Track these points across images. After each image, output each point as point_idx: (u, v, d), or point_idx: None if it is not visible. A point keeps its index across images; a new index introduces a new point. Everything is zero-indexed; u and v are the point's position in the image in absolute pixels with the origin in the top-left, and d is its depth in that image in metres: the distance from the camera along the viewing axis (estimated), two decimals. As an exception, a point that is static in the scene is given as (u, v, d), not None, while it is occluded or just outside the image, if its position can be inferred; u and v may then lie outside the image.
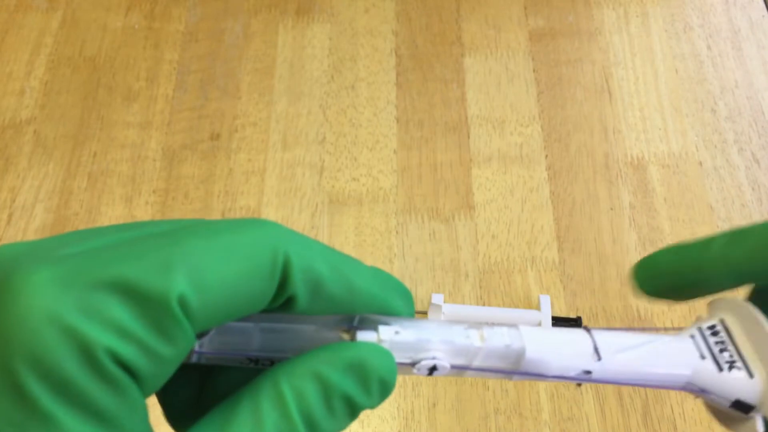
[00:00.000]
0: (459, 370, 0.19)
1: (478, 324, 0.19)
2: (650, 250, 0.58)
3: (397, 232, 0.59)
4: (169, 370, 0.16)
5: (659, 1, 0.72)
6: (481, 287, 0.56)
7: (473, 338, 0.19)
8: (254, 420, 0.16)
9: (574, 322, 0.53)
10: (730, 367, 0.19)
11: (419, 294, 0.56)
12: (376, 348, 0.18)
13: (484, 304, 0.55)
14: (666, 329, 0.21)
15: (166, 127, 0.64)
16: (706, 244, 0.20)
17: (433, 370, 0.19)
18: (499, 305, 0.55)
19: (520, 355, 0.19)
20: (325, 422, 0.17)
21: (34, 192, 0.61)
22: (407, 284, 0.56)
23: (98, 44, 0.69)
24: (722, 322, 0.21)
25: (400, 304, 0.19)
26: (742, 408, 0.20)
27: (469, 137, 0.64)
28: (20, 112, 0.65)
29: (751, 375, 0.19)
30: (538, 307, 0.53)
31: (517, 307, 0.55)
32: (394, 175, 0.62)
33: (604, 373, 0.19)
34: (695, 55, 0.68)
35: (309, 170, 0.62)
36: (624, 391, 0.52)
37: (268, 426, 0.16)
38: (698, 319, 0.21)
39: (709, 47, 0.69)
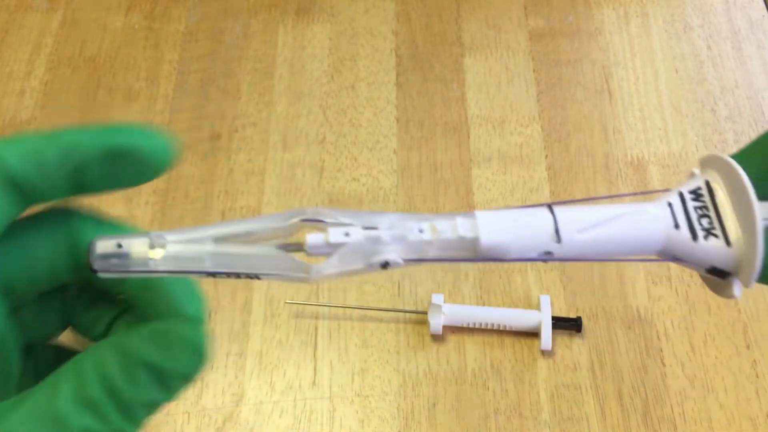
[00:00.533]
0: (414, 262, 0.18)
1: (431, 217, 0.18)
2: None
3: (397, 232, 0.59)
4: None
5: (659, 1, 0.72)
6: (481, 287, 0.56)
7: (426, 233, 0.18)
8: (52, 387, 0.16)
9: (574, 322, 0.54)
10: (707, 236, 0.19)
11: (419, 294, 0.56)
12: (184, 317, 0.18)
13: (484, 304, 0.55)
14: (652, 192, 0.20)
15: (166, 127, 0.64)
16: None
17: (386, 265, 0.18)
18: (499, 305, 0.55)
19: (475, 244, 0.18)
20: (128, 390, 0.17)
21: (35, 192, 0.61)
22: (407, 284, 0.56)
23: (98, 44, 0.69)
24: (708, 184, 0.20)
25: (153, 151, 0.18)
26: (719, 274, 0.19)
27: (469, 137, 0.64)
28: (20, 113, 0.65)
29: (728, 243, 0.19)
30: (538, 307, 0.53)
31: (517, 307, 0.55)
32: (394, 175, 0.62)
33: (566, 253, 0.18)
34: (695, 55, 0.68)
35: (309, 170, 0.62)
36: (624, 390, 0.52)
37: (63, 392, 0.16)
38: (690, 175, 0.20)
39: (709, 47, 0.69)
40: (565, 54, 0.68)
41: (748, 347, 0.54)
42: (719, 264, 0.19)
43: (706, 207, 0.19)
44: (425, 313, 0.54)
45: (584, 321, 0.54)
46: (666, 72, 0.67)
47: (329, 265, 0.18)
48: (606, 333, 0.54)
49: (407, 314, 0.55)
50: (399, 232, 0.18)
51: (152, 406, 0.17)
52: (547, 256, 0.19)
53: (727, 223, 0.19)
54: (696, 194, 0.19)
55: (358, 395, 0.52)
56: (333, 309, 0.55)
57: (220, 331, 0.55)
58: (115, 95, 0.66)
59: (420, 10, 0.71)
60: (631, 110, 0.65)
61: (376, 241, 0.18)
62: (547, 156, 0.63)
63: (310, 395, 0.52)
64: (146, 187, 0.61)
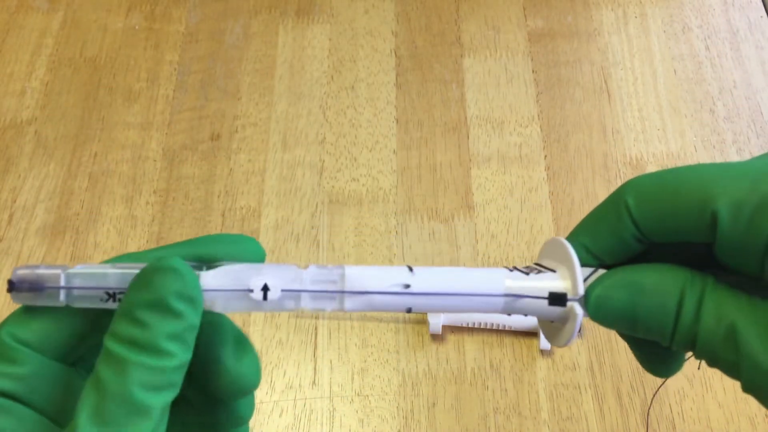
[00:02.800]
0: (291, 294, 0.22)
1: (306, 265, 0.22)
2: (649, 250, 0.58)
3: (396, 233, 0.59)
4: None
5: (658, 2, 0.72)
6: (480, 287, 0.56)
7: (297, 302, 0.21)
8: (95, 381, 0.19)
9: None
10: (537, 273, 0.22)
11: (419, 294, 0.56)
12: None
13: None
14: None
15: (167, 127, 0.64)
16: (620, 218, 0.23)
17: (265, 288, 0.21)
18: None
19: (342, 277, 0.21)
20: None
21: (35, 192, 0.61)
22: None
23: (99, 45, 0.69)
24: (538, 264, 0.23)
25: (242, 258, 0.22)
26: (559, 300, 0.22)
27: (468, 137, 0.64)
28: (21, 113, 0.65)
29: (554, 271, 0.22)
30: (537, 307, 0.54)
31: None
32: (393, 176, 0.62)
33: (421, 288, 0.22)
34: (694, 55, 0.68)
35: (309, 170, 0.62)
36: (623, 390, 0.52)
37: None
38: (549, 248, 0.24)
39: (707, 48, 0.69)
40: (564, 54, 0.68)
41: (746, 347, 0.54)
42: (553, 288, 0.22)
43: (533, 268, 0.23)
44: (425, 312, 0.54)
45: (583, 321, 0.54)
46: (665, 72, 0.67)
47: (211, 276, 0.21)
48: (605, 333, 0.55)
49: (407, 314, 0.55)
50: (280, 277, 0.21)
51: None
52: (407, 290, 0.22)
53: (549, 266, 0.23)
54: (529, 267, 0.23)
55: (358, 395, 0.53)
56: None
57: (220, 330, 0.55)
58: (115, 95, 0.66)
59: (419, 11, 0.71)
60: (629, 110, 0.65)
61: (295, 296, 0.21)
62: (546, 156, 0.63)
63: (310, 395, 0.53)
64: (146, 188, 0.61)
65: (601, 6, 0.72)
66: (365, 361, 0.54)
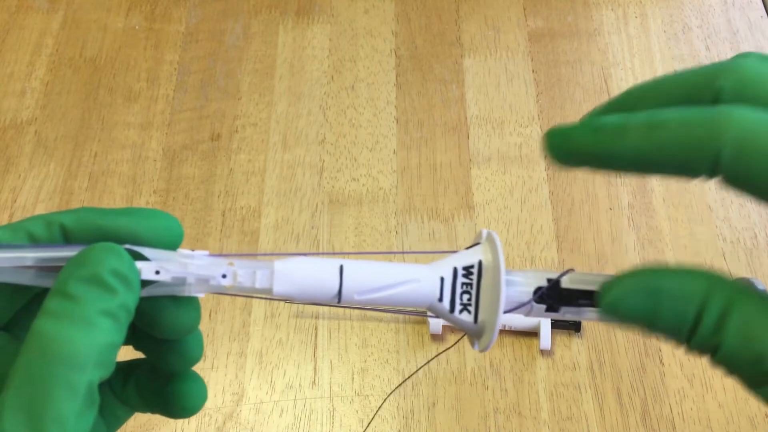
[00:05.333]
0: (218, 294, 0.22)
1: (238, 264, 0.22)
2: (649, 249, 0.58)
3: (396, 232, 0.59)
4: None
5: (658, 2, 0.72)
6: (480, 287, 0.56)
7: (228, 279, 0.22)
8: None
9: (573, 322, 0.54)
10: (462, 310, 0.23)
11: (419, 294, 0.56)
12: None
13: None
14: (436, 252, 0.24)
15: (167, 127, 0.64)
16: (621, 132, 0.20)
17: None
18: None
19: (267, 292, 0.22)
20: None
21: (35, 192, 0.61)
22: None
23: (99, 45, 0.69)
24: (480, 263, 0.23)
25: (152, 234, 0.22)
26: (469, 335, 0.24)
27: (468, 138, 0.64)
28: (21, 113, 0.65)
29: (476, 320, 0.23)
30: (537, 307, 0.54)
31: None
32: (393, 176, 0.62)
33: (348, 303, 0.23)
34: (694, 55, 0.68)
35: (309, 170, 0.62)
36: (623, 390, 0.52)
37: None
38: (477, 235, 0.24)
39: (707, 48, 0.69)
40: (564, 54, 0.68)
41: (746, 347, 0.54)
42: (467, 331, 0.24)
43: (470, 285, 0.23)
44: (425, 312, 0.54)
45: (583, 321, 0.54)
46: (665, 72, 0.67)
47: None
48: (605, 332, 0.55)
49: (407, 314, 0.55)
50: (204, 274, 0.22)
51: None
52: (334, 302, 0.23)
53: (481, 302, 0.23)
54: (468, 271, 0.23)
55: (358, 395, 0.53)
56: (333, 308, 0.55)
57: (220, 330, 0.55)
58: (115, 96, 0.66)
59: (419, 11, 0.71)
60: (630, 111, 0.65)
61: (181, 282, 0.22)
62: (546, 156, 0.63)
63: (310, 395, 0.53)
64: (147, 188, 0.61)
65: (601, 6, 0.72)
66: (365, 361, 0.54)
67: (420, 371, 0.53)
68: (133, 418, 0.54)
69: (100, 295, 0.19)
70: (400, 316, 0.55)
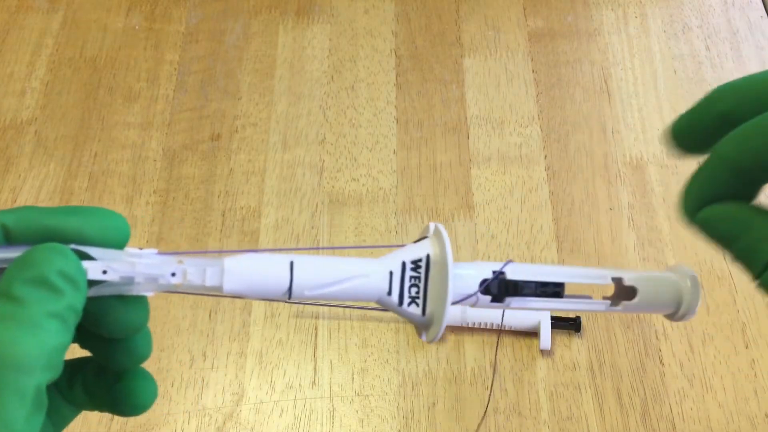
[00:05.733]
0: (167, 292, 0.22)
1: (186, 262, 0.22)
2: (649, 249, 0.58)
3: (396, 232, 0.59)
4: None
5: (658, 2, 0.72)
6: (480, 287, 0.56)
7: (177, 277, 0.22)
8: None
9: (573, 322, 0.54)
10: (410, 303, 0.24)
11: (419, 294, 0.56)
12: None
13: (483, 304, 0.55)
14: (385, 246, 0.24)
15: (167, 127, 0.64)
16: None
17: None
18: (498, 305, 0.55)
19: (218, 290, 0.22)
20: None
21: (35, 192, 0.61)
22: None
23: (99, 45, 0.69)
24: (428, 257, 0.24)
25: (99, 233, 0.21)
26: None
27: (468, 138, 0.64)
28: (21, 113, 0.65)
29: (423, 313, 0.24)
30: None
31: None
32: (393, 176, 0.62)
33: (298, 300, 0.23)
34: (694, 55, 0.68)
35: (309, 170, 0.62)
36: (623, 390, 0.52)
37: None
38: (425, 230, 0.25)
39: (707, 48, 0.69)
40: (564, 54, 0.68)
41: (746, 347, 0.54)
42: (415, 323, 0.25)
43: (418, 278, 0.24)
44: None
45: (583, 321, 0.54)
46: (665, 72, 0.67)
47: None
48: (605, 333, 0.55)
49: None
50: (153, 273, 0.21)
51: None
52: (285, 298, 0.23)
53: (429, 294, 0.24)
54: (416, 264, 0.24)
55: (358, 395, 0.53)
56: (333, 308, 0.55)
57: (220, 330, 0.55)
58: (115, 96, 0.66)
59: (419, 11, 0.71)
60: (629, 110, 0.65)
61: (129, 281, 0.21)
62: (546, 156, 0.63)
63: (310, 395, 0.53)
64: (147, 188, 0.61)
65: (601, 6, 0.72)
66: (365, 361, 0.54)
67: (420, 371, 0.53)
68: (132, 418, 0.54)
69: (47, 296, 0.18)
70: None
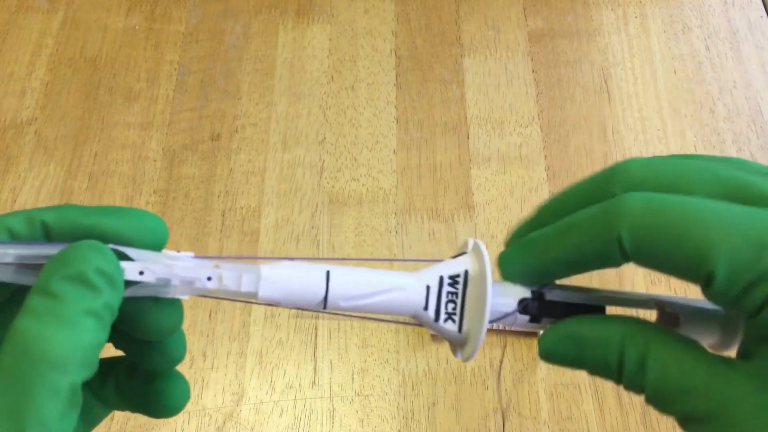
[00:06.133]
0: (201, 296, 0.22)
1: (223, 266, 0.22)
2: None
3: (396, 232, 0.59)
4: None
5: (658, 2, 0.72)
6: (480, 287, 0.56)
7: (213, 281, 0.22)
8: None
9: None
10: (447, 320, 0.23)
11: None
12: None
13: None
14: (423, 261, 0.23)
15: (167, 127, 0.64)
16: (544, 244, 0.22)
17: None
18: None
19: (254, 296, 0.22)
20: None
21: (35, 192, 0.61)
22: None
23: (99, 45, 0.69)
24: (466, 273, 0.23)
25: (137, 234, 0.21)
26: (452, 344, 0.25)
27: (468, 138, 0.64)
28: (21, 113, 0.65)
29: (460, 329, 0.23)
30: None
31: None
32: (393, 176, 0.62)
33: (335, 309, 0.23)
34: (694, 55, 0.68)
35: (309, 170, 0.62)
36: (623, 390, 0.52)
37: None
38: (463, 245, 0.24)
39: (707, 48, 0.69)
40: (564, 55, 0.69)
41: (746, 347, 0.54)
42: (450, 340, 0.24)
43: (456, 294, 0.23)
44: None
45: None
46: (665, 72, 0.68)
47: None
48: (605, 332, 0.55)
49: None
50: (189, 276, 0.21)
51: None
52: (320, 308, 0.23)
53: (466, 312, 0.23)
54: (453, 280, 0.23)
55: (358, 395, 0.53)
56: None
57: (220, 330, 0.55)
58: (115, 96, 0.66)
59: (419, 11, 0.71)
60: (629, 111, 0.65)
61: (165, 283, 0.21)
62: (546, 156, 0.63)
63: (310, 395, 0.53)
64: (147, 188, 0.61)
65: (601, 6, 0.72)
66: (365, 361, 0.54)
67: (420, 371, 0.53)
68: (132, 417, 0.54)
69: (85, 294, 0.18)
70: (400, 317, 0.55)
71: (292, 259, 0.23)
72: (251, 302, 0.22)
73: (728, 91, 0.66)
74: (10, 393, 0.17)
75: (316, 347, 0.54)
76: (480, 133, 0.64)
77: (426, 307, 0.23)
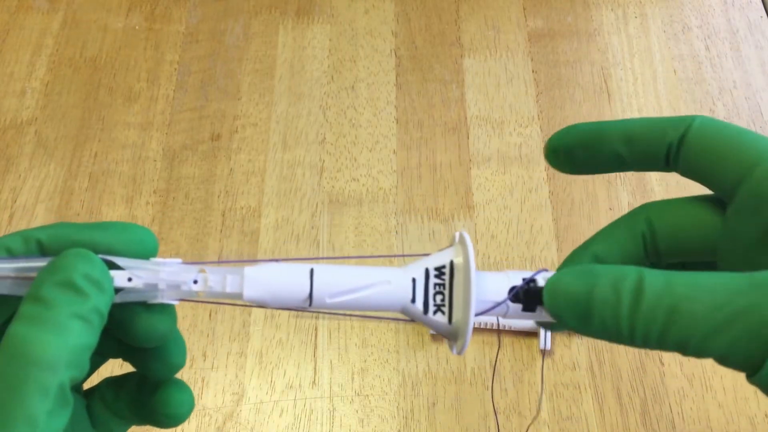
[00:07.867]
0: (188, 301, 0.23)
1: (208, 270, 0.23)
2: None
3: (396, 232, 0.59)
4: None
5: (658, 2, 0.72)
6: (480, 287, 0.56)
7: (198, 284, 0.22)
8: None
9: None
10: (436, 311, 0.23)
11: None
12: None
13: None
14: (411, 255, 0.23)
15: (167, 127, 0.64)
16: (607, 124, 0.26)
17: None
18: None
19: (238, 296, 0.23)
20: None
21: (35, 192, 0.61)
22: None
23: (99, 45, 0.69)
24: (452, 264, 0.23)
25: (127, 247, 0.22)
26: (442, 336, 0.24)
27: (468, 138, 0.64)
28: (21, 113, 0.65)
29: (450, 320, 0.23)
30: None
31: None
32: (393, 176, 0.62)
33: (320, 308, 0.23)
34: (694, 55, 0.68)
35: (309, 170, 0.62)
36: (623, 390, 0.53)
37: None
38: (452, 239, 0.24)
39: (707, 48, 0.69)
40: (564, 55, 0.69)
41: (746, 347, 0.54)
42: (442, 333, 0.24)
43: (443, 285, 0.23)
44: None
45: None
46: (664, 72, 0.68)
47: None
48: (605, 332, 0.55)
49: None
50: (175, 280, 0.22)
51: None
52: (305, 306, 0.23)
53: (455, 302, 0.23)
54: (439, 271, 0.23)
55: (358, 394, 0.53)
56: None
57: (220, 330, 0.55)
58: (115, 96, 0.66)
59: (419, 11, 0.71)
60: (629, 111, 0.65)
61: (153, 288, 0.22)
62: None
63: (310, 394, 0.53)
64: (147, 188, 0.61)
65: (601, 6, 0.72)
66: (365, 361, 0.54)
67: (420, 371, 0.53)
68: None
69: (72, 298, 0.19)
70: (400, 315, 0.55)
71: (279, 260, 0.23)
72: (242, 305, 0.23)
73: (728, 91, 0.66)
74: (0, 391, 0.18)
75: (316, 347, 0.54)
76: (480, 133, 0.64)
77: (414, 300, 0.23)
